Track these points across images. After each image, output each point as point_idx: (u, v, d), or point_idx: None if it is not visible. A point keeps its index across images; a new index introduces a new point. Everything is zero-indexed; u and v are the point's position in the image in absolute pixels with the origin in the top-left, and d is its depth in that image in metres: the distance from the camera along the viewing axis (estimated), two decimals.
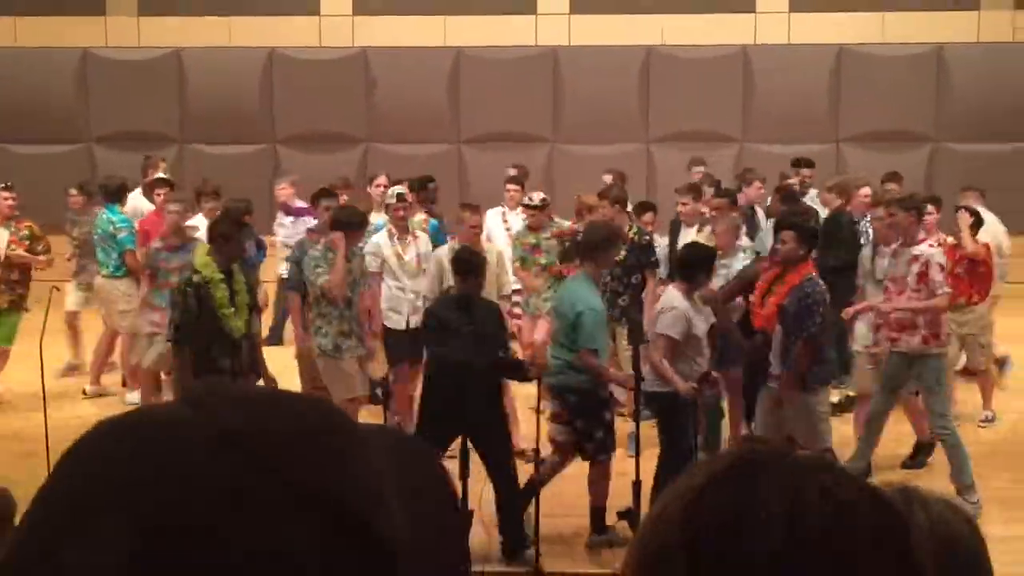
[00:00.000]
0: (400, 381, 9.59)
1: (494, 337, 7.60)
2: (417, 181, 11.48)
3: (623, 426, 8.61)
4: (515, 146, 16.72)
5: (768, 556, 0.89)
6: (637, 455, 7.58)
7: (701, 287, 8.02)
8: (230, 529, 0.77)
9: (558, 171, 16.92)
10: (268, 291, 11.33)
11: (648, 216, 10.33)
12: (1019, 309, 13.18)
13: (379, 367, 9.03)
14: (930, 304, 8.19)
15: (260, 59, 17.68)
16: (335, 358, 8.70)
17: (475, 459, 7.26)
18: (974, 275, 9.63)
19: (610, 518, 7.66)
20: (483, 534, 7.56)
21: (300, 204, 12.43)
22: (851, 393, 9.53)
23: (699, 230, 9.95)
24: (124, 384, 11.04)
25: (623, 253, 9.19)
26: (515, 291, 10.07)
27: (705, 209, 10.11)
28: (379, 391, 8.39)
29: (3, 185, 10.90)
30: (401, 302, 9.60)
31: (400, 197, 9.71)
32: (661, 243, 10.11)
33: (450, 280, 8.76)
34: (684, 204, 10.36)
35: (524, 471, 7.67)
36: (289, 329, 10.65)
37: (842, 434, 8.59)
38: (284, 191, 12.48)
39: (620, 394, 8.85)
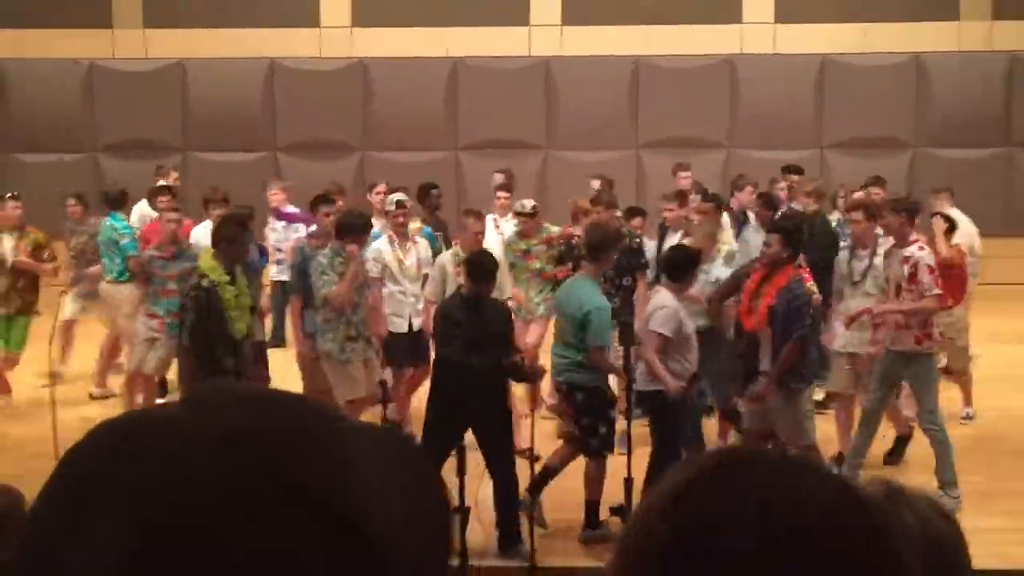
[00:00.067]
0: (400, 383, 9.60)
1: (502, 337, 7.59)
2: (421, 188, 11.48)
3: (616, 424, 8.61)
4: (510, 153, 16.71)
5: (749, 555, 0.89)
6: (629, 453, 7.59)
7: (688, 287, 8.06)
8: (229, 529, 0.77)
9: (551, 177, 16.94)
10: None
11: (637, 221, 10.31)
12: (995, 309, 13.24)
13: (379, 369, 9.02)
14: (919, 306, 8.18)
15: (262, 70, 17.66)
16: (341, 361, 8.69)
17: (472, 457, 7.26)
18: (949, 279, 9.62)
19: (602, 514, 7.66)
20: (479, 530, 7.56)
21: (291, 209, 12.43)
22: (831, 390, 9.50)
23: (684, 235, 9.96)
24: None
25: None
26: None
27: (696, 217, 10.09)
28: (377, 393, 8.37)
29: (10, 194, 10.86)
30: (403, 306, 9.59)
31: (399, 204, 9.70)
32: (650, 246, 10.11)
33: (453, 285, 8.76)
34: (670, 210, 10.35)
35: (524, 472, 7.64)
36: (290, 331, 10.62)
37: (823, 431, 8.59)
38: (276, 196, 12.46)
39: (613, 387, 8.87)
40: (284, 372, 9.66)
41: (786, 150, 15.65)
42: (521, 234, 10.18)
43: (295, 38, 17.62)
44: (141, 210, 12.04)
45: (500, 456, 7.49)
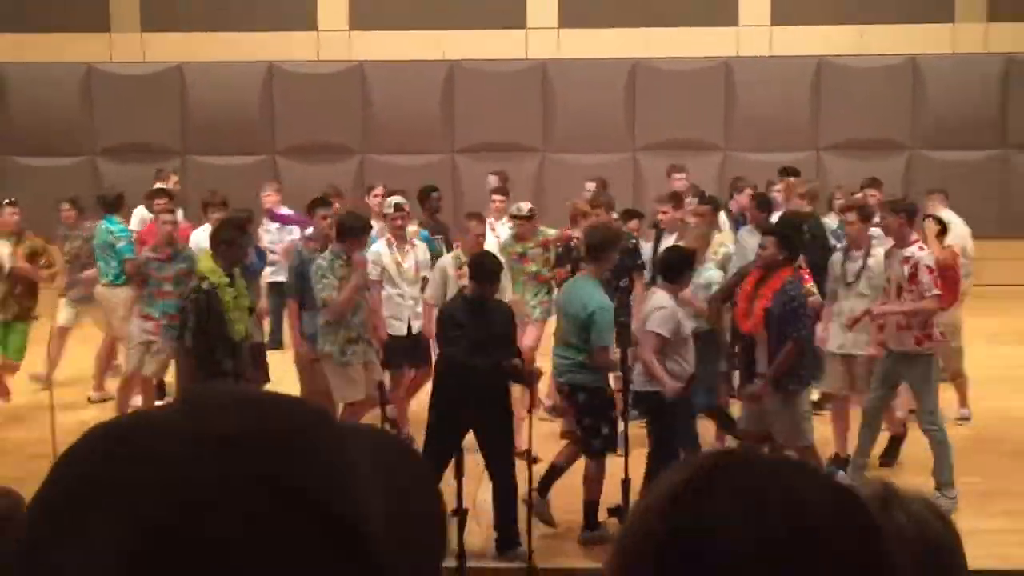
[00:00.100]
0: (398, 386, 9.60)
1: (504, 338, 7.59)
2: (421, 191, 11.47)
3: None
4: (507, 156, 16.72)
5: (747, 557, 0.89)
6: (626, 454, 7.59)
7: (684, 288, 8.09)
8: (230, 530, 0.77)
9: (548, 179, 16.95)
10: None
11: (634, 223, 10.32)
12: (992, 310, 13.26)
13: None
14: (919, 306, 8.18)
15: (260, 73, 17.66)
16: (342, 364, 8.69)
17: (470, 459, 7.26)
18: (942, 281, 9.63)
19: (600, 516, 7.66)
20: (478, 532, 7.56)
21: (285, 211, 12.44)
22: (825, 391, 9.48)
23: (679, 237, 9.96)
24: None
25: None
26: None
27: (692, 219, 10.10)
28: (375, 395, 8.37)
29: (8, 200, 10.79)
30: (402, 309, 9.60)
31: (398, 207, 9.70)
32: (646, 248, 10.11)
33: (454, 289, 8.76)
34: (664, 212, 10.35)
35: (521, 474, 7.64)
36: (288, 333, 10.61)
37: (820, 433, 8.59)
38: (269, 198, 12.47)
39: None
40: (282, 374, 9.67)
41: (782, 152, 15.65)
42: (517, 237, 10.16)
43: (293, 41, 17.62)
44: (141, 214, 12.03)
45: (500, 457, 7.48)
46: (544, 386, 9.38)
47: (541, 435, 8.14)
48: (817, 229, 10.28)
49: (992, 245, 16.21)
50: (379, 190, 11.60)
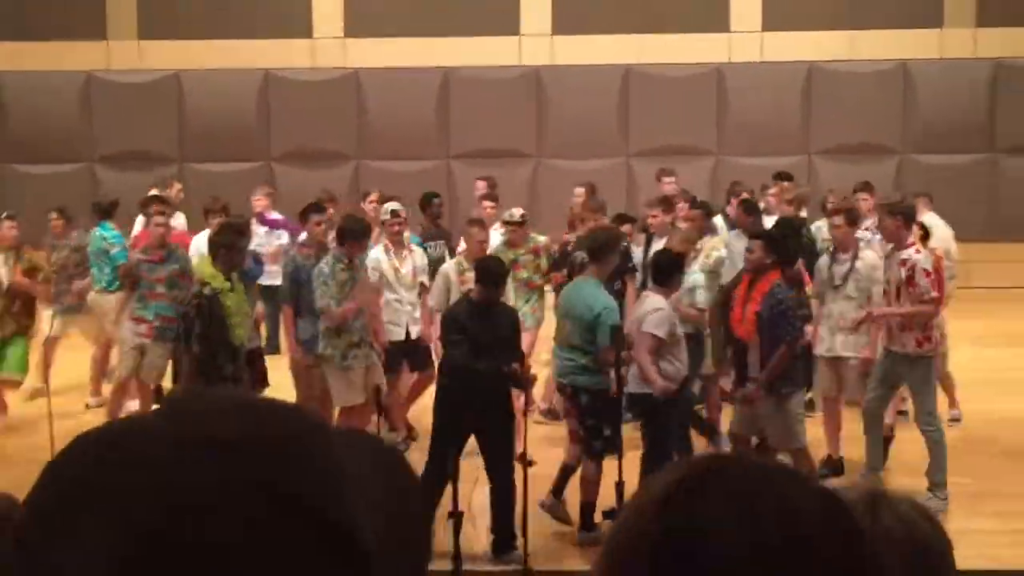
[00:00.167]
0: (395, 390, 9.59)
1: (508, 342, 7.57)
2: (423, 197, 11.46)
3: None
4: (502, 162, 16.74)
5: (730, 561, 0.90)
6: (620, 456, 7.58)
7: (675, 290, 8.13)
8: (228, 534, 0.77)
9: (542, 185, 16.95)
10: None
11: (626, 227, 10.32)
12: (980, 313, 13.29)
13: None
14: (915, 310, 8.16)
15: (256, 80, 17.66)
16: (343, 368, 8.69)
17: (464, 462, 7.27)
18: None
19: (595, 519, 7.66)
20: (472, 534, 7.55)
21: (275, 216, 12.42)
22: (815, 395, 9.48)
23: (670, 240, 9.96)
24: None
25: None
26: None
27: (683, 224, 10.10)
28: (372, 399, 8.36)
29: (6, 215, 10.63)
30: (399, 314, 9.59)
31: (394, 213, 9.70)
32: (637, 252, 10.12)
33: (456, 294, 8.76)
34: (654, 216, 10.34)
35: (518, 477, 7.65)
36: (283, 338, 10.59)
37: (812, 434, 8.58)
38: (260, 202, 12.46)
39: None
40: (278, 379, 9.63)
41: (774, 157, 15.68)
42: (508, 243, 10.11)
43: (289, 49, 17.62)
44: (143, 224, 11.99)
45: (501, 459, 7.47)
46: (539, 389, 9.38)
47: (536, 438, 8.14)
48: (806, 234, 10.29)
49: (980, 248, 16.25)
50: (374, 196, 11.60)
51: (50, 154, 17.33)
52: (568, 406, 7.99)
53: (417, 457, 8.78)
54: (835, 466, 8.95)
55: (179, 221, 12.50)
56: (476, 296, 7.65)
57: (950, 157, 17.08)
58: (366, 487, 0.85)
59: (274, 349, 11.86)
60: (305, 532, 0.79)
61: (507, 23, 17.59)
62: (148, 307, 9.58)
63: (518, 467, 7.39)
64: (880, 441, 8.49)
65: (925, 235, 9.71)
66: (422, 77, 17.39)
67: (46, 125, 17.38)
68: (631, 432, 8.22)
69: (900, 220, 8.34)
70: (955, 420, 10.04)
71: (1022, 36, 17.20)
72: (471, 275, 8.37)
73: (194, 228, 12.04)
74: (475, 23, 17.44)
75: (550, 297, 10.71)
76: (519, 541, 7.31)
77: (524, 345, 9.79)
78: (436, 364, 8.80)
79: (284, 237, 12.18)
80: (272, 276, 10.93)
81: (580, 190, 11.99)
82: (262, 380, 9.28)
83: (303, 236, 9.96)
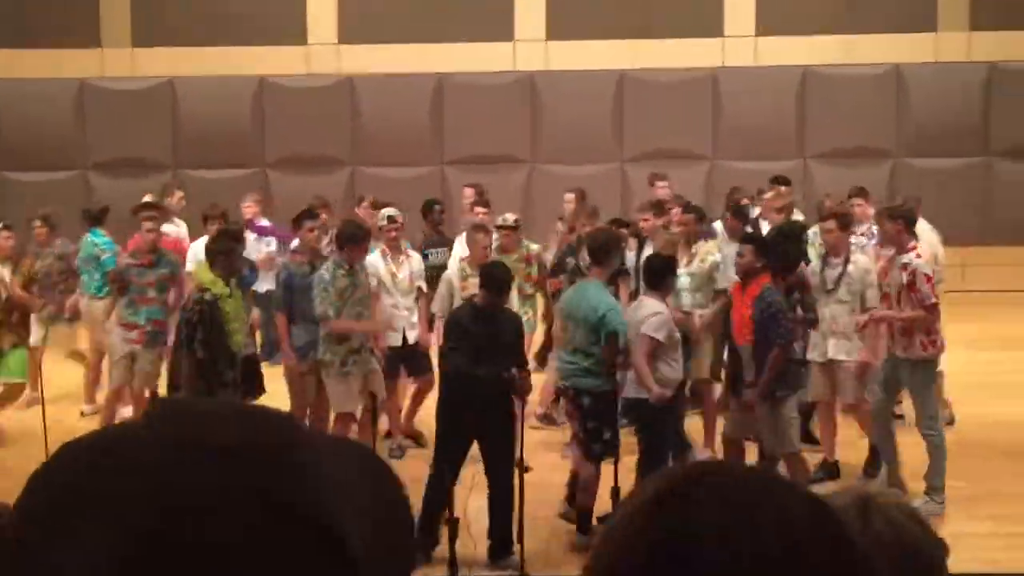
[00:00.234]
0: (392, 395, 9.59)
1: (511, 347, 7.58)
2: (424, 204, 11.49)
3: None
4: (496, 167, 16.75)
5: (724, 567, 0.89)
6: (616, 462, 7.59)
7: (668, 293, 8.16)
8: (227, 537, 0.78)
9: (537, 191, 16.94)
10: None
11: (621, 232, 10.32)
12: (974, 316, 13.30)
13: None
14: (916, 315, 8.15)
15: (250, 87, 17.66)
16: (342, 374, 8.68)
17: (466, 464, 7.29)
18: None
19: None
20: (468, 540, 7.55)
21: (264, 223, 12.46)
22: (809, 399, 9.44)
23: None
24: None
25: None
26: None
27: (676, 228, 10.10)
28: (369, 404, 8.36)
29: (2, 224, 10.48)
30: (397, 319, 9.59)
31: (391, 219, 9.70)
32: (629, 256, 10.13)
33: (459, 300, 8.76)
34: (646, 220, 10.35)
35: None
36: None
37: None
38: (249, 209, 12.49)
39: None
40: (272, 385, 9.62)
41: (769, 161, 15.69)
42: (501, 248, 10.10)
43: (283, 55, 17.62)
44: None
45: (501, 463, 7.46)
46: (536, 395, 9.38)
47: (532, 443, 8.14)
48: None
49: (974, 251, 16.31)
50: (367, 202, 11.64)
51: (44, 161, 17.32)
52: (570, 408, 8.02)
53: (416, 464, 8.81)
54: (831, 470, 8.95)
55: (181, 229, 12.53)
56: (480, 301, 7.66)
57: (944, 160, 17.11)
58: (354, 494, 0.86)
59: (268, 356, 11.86)
60: (297, 538, 0.80)
61: (501, 29, 17.60)
62: (139, 312, 9.55)
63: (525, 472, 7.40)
64: (890, 441, 8.45)
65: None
66: (417, 83, 17.40)
67: (40, 133, 17.38)
68: (626, 437, 8.23)
69: (901, 224, 8.33)
70: (948, 423, 10.04)
71: (1016, 39, 17.23)
72: (474, 280, 8.39)
73: (192, 235, 12.05)
74: (469, 29, 17.46)
75: (544, 302, 10.74)
76: (515, 547, 7.30)
77: None
78: (435, 369, 8.82)
79: (273, 244, 12.21)
80: (262, 283, 10.95)
81: (570, 196, 12.02)
82: (259, 387, 9.28)
83: (295, 243, 9.96)
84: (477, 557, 7.49)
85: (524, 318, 9.96)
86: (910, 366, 8.24)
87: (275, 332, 10.02)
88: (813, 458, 8.80)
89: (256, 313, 10.57)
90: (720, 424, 8.86)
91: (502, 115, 17.27)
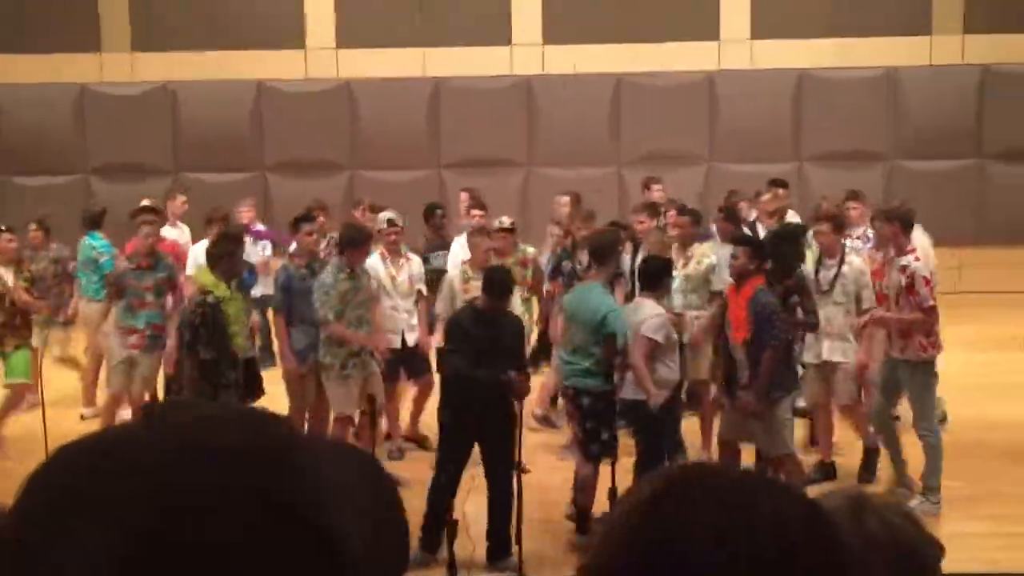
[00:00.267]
0: (391, 398, 9.59)
1: (512, 350, 7.58)
2: (426, 208, 11.51)
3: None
4: (493, 171, 16.77)
5: (711, 571, 0.89)
6: (613, 463, 7.59)
7: (665, 295, 8.20)
8: (228, 537, 0.78)
9: (533, 194, 16.94)
10: None
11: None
12: (970, 317, 13.30)
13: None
14: (915, 317, 8.15)
15: (249, 91, 17.66)
16: (342, 377, 8.68)
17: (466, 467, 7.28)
18: None
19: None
20: (467, 541, 7.54)
21: (259, 227, 12.48)
22: (804, 403, 9.44)
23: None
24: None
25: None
26: None
27: (672, 231, 10.10)
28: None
29: (3, 227, 10.40)
30: (396, 322, 9.60)
31: (391, 222, 9.71)
32: (625, 258, 10.13)
33: (461, 301, 8.76)
34: (640, 222, 10.35)
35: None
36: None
37: (800, 439, 8.58)
38: (245, 214, 12.51)
39: None
40: (270, 388, 9.61)
41: (765, 163, 15.70)
42: (497, 251, 10.11)
43: (281, 60, 17.63)
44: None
45: (501, 464, 7.46)
46: (534, 395, 9.38)
47: (530, 445, 8.14)
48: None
49: (968, 252, 16.31)
50: (363, 206, 11.67)
51: (45, 166, 17.34)
52: (570, 408, 8.06)
53: (416, 466, 8.81)
54: (827, 470, 8.95)
55: (184, 232, 12.55)
56: (481, 305, 7.66)
57: (939, 163, 17.13)
58: (353, 496, 0.86)
59: (266, 359, 11.86)
60: (297, 539, 0.80)
61: (498, 33, 17.62)
62: (137, 316, 9.50)
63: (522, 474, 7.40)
64: (896, 441, 8.43)
65: None
66: (414, 87, 17.41)
67: (40, 137, 17.39)
68: (624, 438, 8.23)
69: (898, 226, 8.32)
70: (941, 421, 10.04)
71: (1009, 43, 17.25)
72: (476, 283, 8.40)
73: (193, 238, 12.06)
74: (466, 33, 17.47)
75: (539, 306, 10.73)
76: (514, 548, 7.30)
77: None
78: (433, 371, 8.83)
79: (268, 249, 12.22)
80: (258, 286, 10.97)
81: (564, 199, 12.02)
82: (258, 389, 9.27)
83: (293, 246, 9.96)
84: (476, 559, 7.49)
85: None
86: (909, 367, 8.24)
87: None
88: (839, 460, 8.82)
89: (256, 316, 10.57)
90: (716, 425, 8.86)
91: (499, 119, 17.29)
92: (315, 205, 11.41)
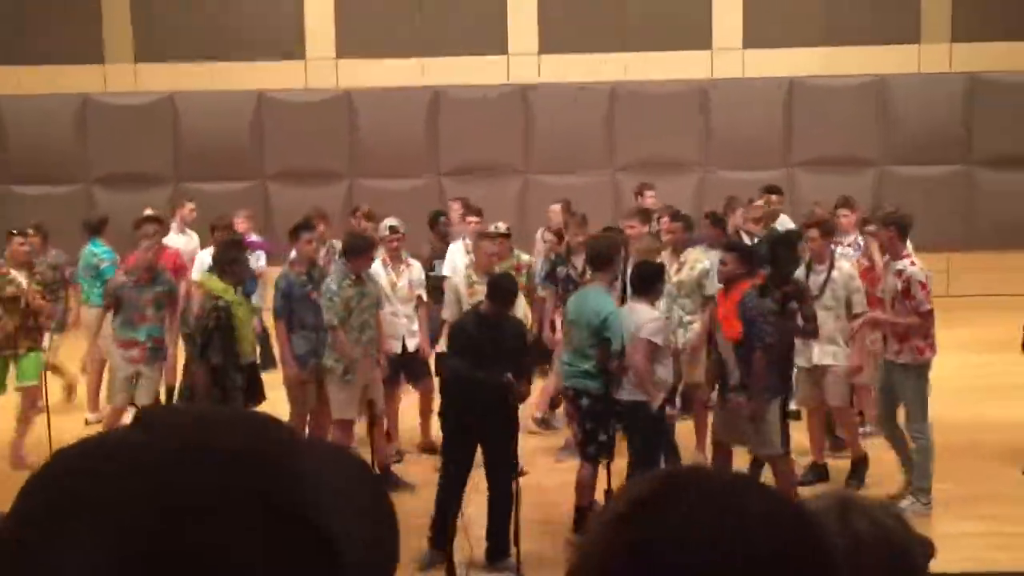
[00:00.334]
0: (390, 402, 9.59)
1: (514, 353, 7.58)
2: (430, 216, 11.51)
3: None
4: (490, 178, 16.77)
5: (698, 573, 0.89)
6: (609, 464, 7.59)
7: (657, 299, 8.20)
8: (229, 538, 0.78)
9: (530, 201, 16.95)
10: None
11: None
12: (961, 321, 13.30)
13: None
14: (911, 321, 8.15)
15: (250, 101, 17.67)
16: (345, 382, 8.67)
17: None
18: None
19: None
20: (466, 543, 7.53)
21: (254, 238, 12.51)
22: (797, 406, 9.41)
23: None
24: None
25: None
26: None
27: (665, 236, 10.10)
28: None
29: (14, 231, 10.38)
30: (396, 327, 9.60)
31: (393, 229, 9.73)
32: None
33: (466, 305, 8.76)
34: (631, 227, 10.34)
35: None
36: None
37: (796, 441, 8.57)
38: (241, 224, 12.52)
39: None
40: (271, 393, 9.59)
41: (757, 170, 15.73)
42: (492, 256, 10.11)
43: (282, 70, 17.64)
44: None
45: (502, 465, 7.44)
46: (533, 397, 9.38)
47: (528, 448, 8.13)
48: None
49: (958, 257, 16.34)
50: (360, 212, 11.70)
51: (48, 175, 17.33)
52: (570, 409, 8.07)
53: (416, 468, 8.81)
54: (820, 472, 8.95)
55: (192, 240, 12.56)
56: (485, 310, 7.66)
57: (928, 169, 17.15)
58: (352, 499, 0.86)
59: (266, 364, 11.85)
60: (297, 540, 0.80)
61: (495, 43, 17.63)
62: (138, 330, 9.40)
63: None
64: (907, 450, 8.40)
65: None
66: (412, 96, 17.43)
67: (43, 147, 17.38)
68: (619, 440, 8.23)
69: (894, 231, 8.33)
70: None
71: (996, 51, 17.29)
72: (480, 287, 8.42)
73: (201, 246, 12.08)
74: (464, 43, 17.49)
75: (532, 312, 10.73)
76: (512, 550, 7.29)
77: None
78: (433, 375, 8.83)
79: (263, 259, 12.22)
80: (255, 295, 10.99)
81: (556, 207, 12.05)
82: (260, 393, 9.26)
83: (293, 254, 9.96)
84: (475, 559, 7.48)
85: None
86: (903, 370, 8.24)
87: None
88: (841, 463, 8.82)
89: (257, 322, 10.57)
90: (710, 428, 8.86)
91: (496, 126, 17.30)
92: (314, 213, 11.39)
